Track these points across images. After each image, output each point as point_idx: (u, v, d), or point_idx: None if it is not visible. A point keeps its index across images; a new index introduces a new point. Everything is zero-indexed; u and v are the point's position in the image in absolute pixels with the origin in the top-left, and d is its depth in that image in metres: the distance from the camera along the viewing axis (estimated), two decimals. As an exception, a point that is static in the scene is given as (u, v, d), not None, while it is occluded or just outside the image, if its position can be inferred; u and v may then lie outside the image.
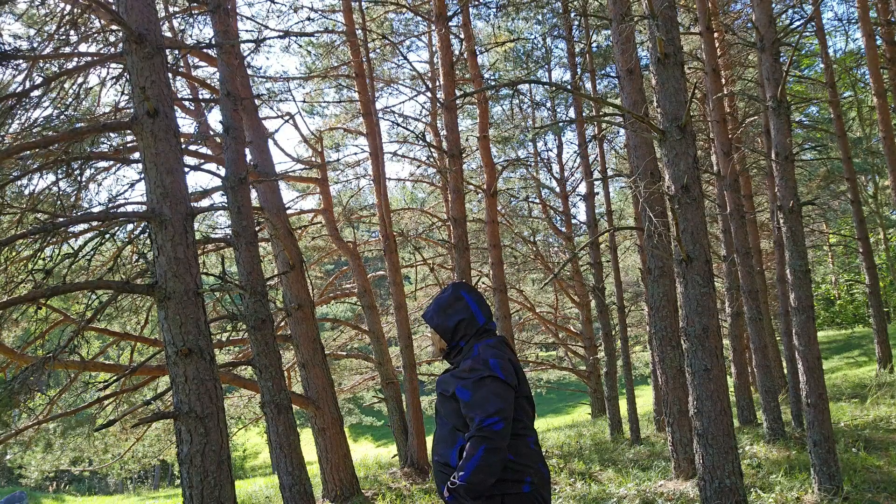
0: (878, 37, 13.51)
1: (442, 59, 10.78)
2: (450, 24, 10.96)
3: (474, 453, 2.34)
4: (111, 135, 7.46)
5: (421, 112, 16.00)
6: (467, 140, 15.97)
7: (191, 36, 9.60)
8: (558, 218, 18.13)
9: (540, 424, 18.39)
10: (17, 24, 7.56)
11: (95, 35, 7.24)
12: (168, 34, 9.06)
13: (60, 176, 6.21)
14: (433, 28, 12.19)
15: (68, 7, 6.66)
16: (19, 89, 6.00)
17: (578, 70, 14.16)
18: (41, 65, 6.53)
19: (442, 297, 2.77)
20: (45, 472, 12.40)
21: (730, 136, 9.59)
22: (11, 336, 9.01)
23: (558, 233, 17.87)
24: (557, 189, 18.09)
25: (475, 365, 2.49)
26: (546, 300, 19.18)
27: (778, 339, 13.44)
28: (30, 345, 7.63)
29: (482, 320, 2.71)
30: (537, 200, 18.10)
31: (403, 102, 21.84)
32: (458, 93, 11.72)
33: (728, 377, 8.05)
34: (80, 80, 7.12)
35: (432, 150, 12.99)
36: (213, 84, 9.17)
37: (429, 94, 13.43)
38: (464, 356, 2.61)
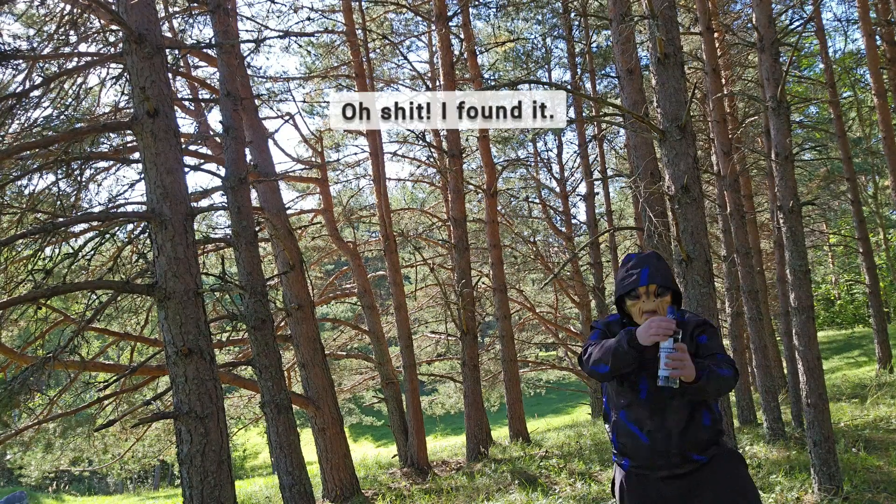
0: (878, 37, 13.52)
1: (442, 59, 10.78)
2: (450, 24, 10.98)
3: (730, 371, 2.39)
4: (111, 135, 7.47)
5: (421, 112, 15.94)
6: (467, 140, 15.96)
7: (191, 36, 9.61)
8: (558, 218, 18.13)
9: (540, 424, 18.38)
10: (16, 24, 7.56)
11: (95, 35, 7.24)
12: (168, 34, 9.06)
13: (60, 176, 6.21)
14: (433, 28, 12.20)
15: (68, 7, 6.66)
16: (19, 89, 6.00)
17: (578, 70, 14.18)
18: (41, 65, 6.53)
19: (660, 260, 2.60)
20: (45, 472, 12.40)
21: (730, 136, 9.59)
22: (11, 336, 9.01)
23: (558, 233, 17.87)
24: (557, 189, 18.09)
25: (700, 320, 2.58)
26: (546, 300, 19.17)
27: (778, 339, 13.44)
28: (30, 345, 7.62)
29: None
30: (537, 200, 18.10)
31: (403, 102, 21.82)
32: (458, 93, 11.73)
33: (728, 377, 8.04)
34: (79, 80, 7.12)
35: (432, 150, 12.99)
36: (213, 84, 9.18)
37: (429, 94, 13.43)
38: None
